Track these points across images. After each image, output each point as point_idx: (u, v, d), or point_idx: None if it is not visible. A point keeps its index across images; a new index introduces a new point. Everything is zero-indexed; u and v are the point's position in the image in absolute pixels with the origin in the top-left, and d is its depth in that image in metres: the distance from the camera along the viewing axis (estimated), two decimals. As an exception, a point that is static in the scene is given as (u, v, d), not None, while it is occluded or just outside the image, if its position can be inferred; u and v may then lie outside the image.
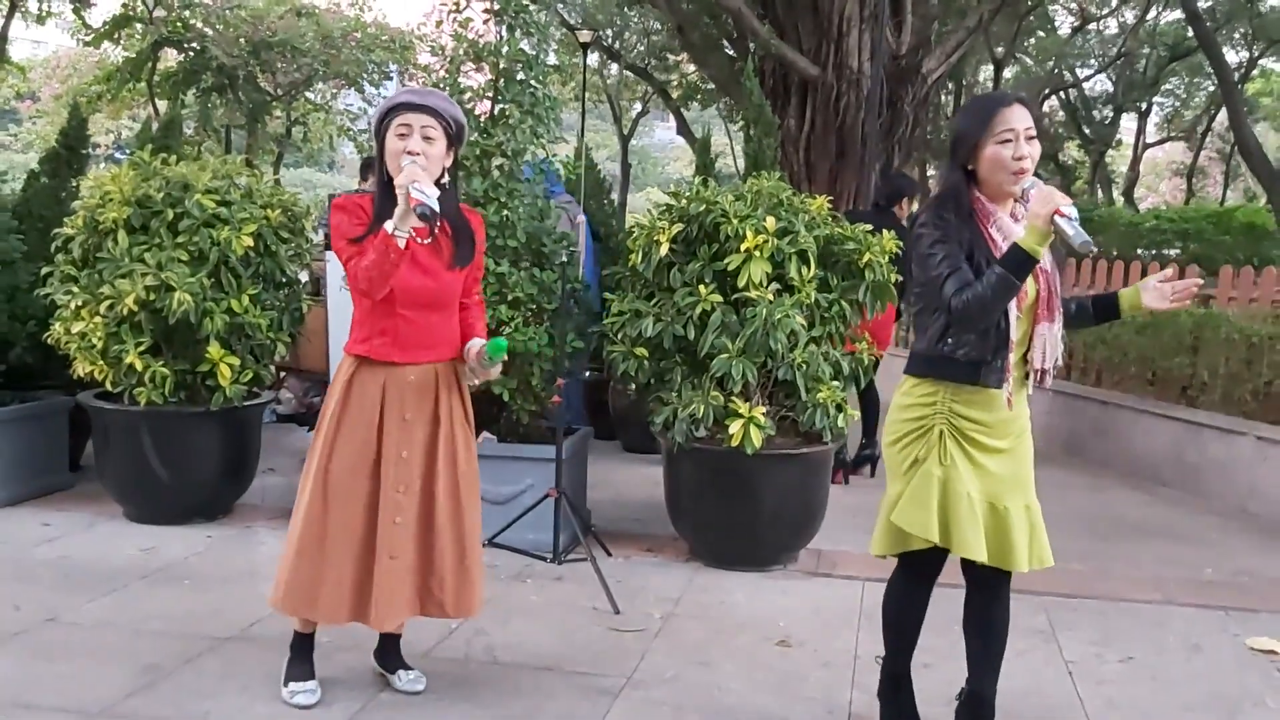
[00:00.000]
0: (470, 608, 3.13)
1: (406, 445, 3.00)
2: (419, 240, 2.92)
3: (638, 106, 30.16)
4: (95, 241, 4.73)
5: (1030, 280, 2.66)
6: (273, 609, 3.09)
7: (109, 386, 4.78)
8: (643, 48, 24.29)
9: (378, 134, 2.96)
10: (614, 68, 25.77)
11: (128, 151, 5.93)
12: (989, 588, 2.83)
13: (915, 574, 2.90)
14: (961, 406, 2.70)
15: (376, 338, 2.97)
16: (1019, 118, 2.63)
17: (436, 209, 2.74)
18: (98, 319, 4.60)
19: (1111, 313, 2.85)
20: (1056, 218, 2.49)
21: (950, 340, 2.70)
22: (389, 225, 2.78)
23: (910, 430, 2.75)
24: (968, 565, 2.79)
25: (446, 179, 2.98)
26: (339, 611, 3.00)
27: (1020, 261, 2.54)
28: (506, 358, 3.15)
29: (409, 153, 2.85)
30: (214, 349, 4.67)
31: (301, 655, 3.14)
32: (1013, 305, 2.64)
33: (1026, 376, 2.76)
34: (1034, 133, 2.66)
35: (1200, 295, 8.53)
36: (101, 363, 4.68)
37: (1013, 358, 2.68)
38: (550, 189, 4.96)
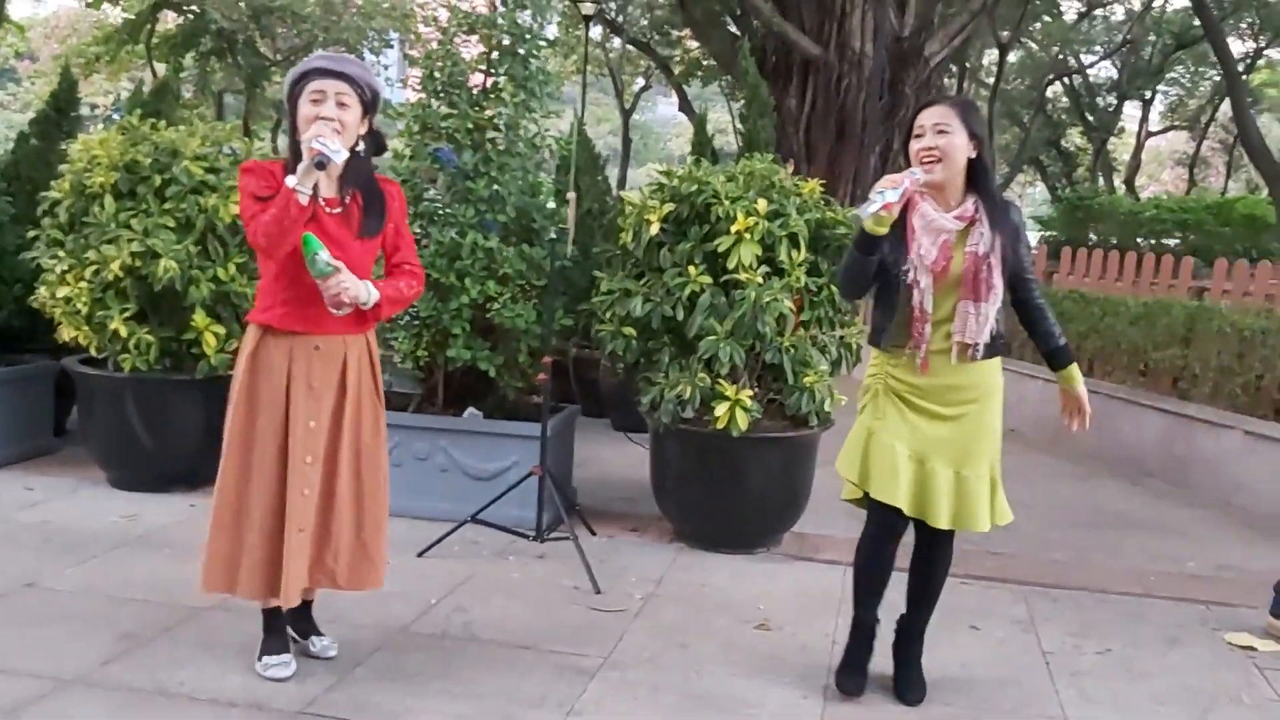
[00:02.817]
0: (364, 583, 3.10)
1: (314, 414, 2.96)
2: (329, 210, 2.89)
3: (640, 81, 29.95)
4: (82, 206, 4.69)
5: (959, 257, 2.93)
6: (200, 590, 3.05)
7: (94, 352, 4.77)
8: (645, 22, 24.09)
9: (290, 99, 2.91)
10: (616, 41, 25.54)
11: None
12: (932, 538, 3.12)
13: (879, 525, 3.09)
14: (895, 370, 3.04)
15: (280, 306, 2.93)
16: (929, 115, 2.95)
17: (334, 160, 2.73)
18: (83, 284, 4.58)
19: (1055, 367, 3.15)
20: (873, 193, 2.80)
21: (875, 311, 3.08)
22: (291, 180, 2.76)
23: (863, 388, 3.15)
24: (917, 521, 3.07)
25: (361, 146, 2.94)
26: (257, 587, 2.99)
27: (857, 235, 2.91)
28: (339, 263, 2.85)
29: (322, 118, 2.81)
30: (199, 317, 4.64)
31: (274, 629, 3.13)
32: (923, 278, 2.92)
33: (954, 348, 2.97)
34: (946, 127, 2.91)
35: (1195, 287, 8.54)
36: (86, 328, 4.66)
37: (927, 329, 2.95)
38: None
